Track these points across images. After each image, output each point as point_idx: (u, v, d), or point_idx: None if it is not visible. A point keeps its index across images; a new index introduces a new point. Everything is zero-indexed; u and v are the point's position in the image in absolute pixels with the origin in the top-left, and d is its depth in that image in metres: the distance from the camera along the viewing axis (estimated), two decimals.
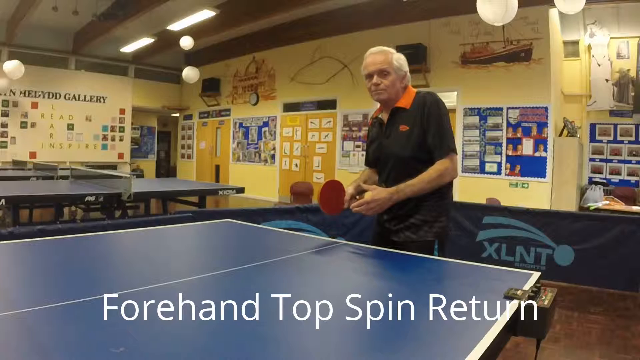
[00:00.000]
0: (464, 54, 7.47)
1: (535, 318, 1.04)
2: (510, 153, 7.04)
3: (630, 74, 7.31)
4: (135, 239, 1.98)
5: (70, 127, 11.36)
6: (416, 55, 7.40)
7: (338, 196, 2.02)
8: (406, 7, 7.38)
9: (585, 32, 7.61)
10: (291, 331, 0.96)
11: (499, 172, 7.14)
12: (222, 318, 1.02)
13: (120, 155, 12.28)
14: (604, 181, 7.50)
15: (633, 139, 7.44)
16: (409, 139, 1.86)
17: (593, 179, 7.62)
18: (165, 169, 15.19)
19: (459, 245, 4.02)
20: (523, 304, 1.06)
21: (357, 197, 2.10)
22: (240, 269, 1.41)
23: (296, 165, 10.09)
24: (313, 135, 9.78)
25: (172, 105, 13.44)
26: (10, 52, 10.15)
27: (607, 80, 7.44)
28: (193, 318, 1.02)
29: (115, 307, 1.02)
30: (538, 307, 1.05)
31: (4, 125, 10.41)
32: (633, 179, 7.41)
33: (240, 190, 5.32)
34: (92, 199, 3.92)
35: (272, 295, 1.20)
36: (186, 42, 8.22)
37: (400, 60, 1.92)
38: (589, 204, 5.96)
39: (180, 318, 1.00)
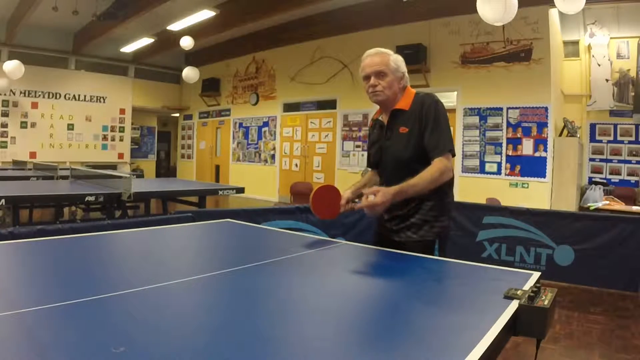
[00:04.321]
0: (464, 54, 7.47)
1: (535, 318, 1.04)
2: (510, 153, 7.04)
3: (630, 74, 7.31)
4: (135, 239, 1.98)
5: (70, 127, 11.35)
6: (416, 55, 7.40)
7: (333, 201, 2.02)
8: (406, 7, 7.38)
9: (585, 32, 7.61)
10: (291, 331, 0.96)
11: (499, 172, 7.14)
12: (222, 318, 1.02)
13: (120, 155, 12.28)
14: (604, 181, 7.50)
15: (633, 139, 7.44)
16: (408, 140, 1.87)
17: (593, 179, 7.62)
18: (165, 169, 15.19)
19: (459, 245, 4.02)
20: (523, 304, 1.06)
21: (356, 200, 2.11)
22: (240, 269, 1.41)
23: (296, 165, 10.09)
24: (313, 135, 9.78)
25: (172, 105, 13.44)
26: (10, 52, 10.15)
27: (607, 80, 7.44)
28: (193, 318, 1.02)
29: (116, 307, 1.02)
30: (538, 307, 1.05)
31: (4, 125, 10.41)
32: (633, 179, 7.41)
33: (240, 190, 5.32)
34: (92, 199, 3.92)
35: (272, 295, 1.21)
36: (186, 42, 8.22)
37: (397, 61, 1.92)
38: (589, 204, 5.96)
39: (180, 318, 1.00)
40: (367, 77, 1.92)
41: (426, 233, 1.86)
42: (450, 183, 1.93)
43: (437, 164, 1.80)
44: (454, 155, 1.88)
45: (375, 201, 1.71)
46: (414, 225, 1.88)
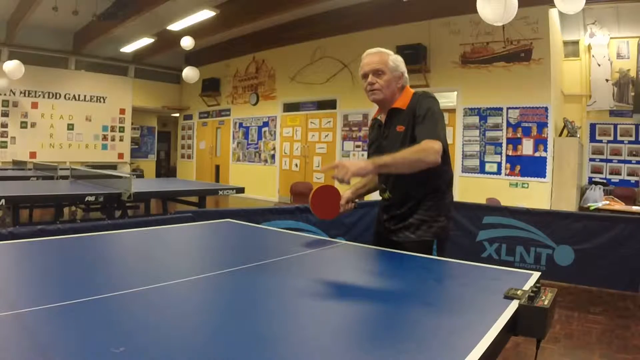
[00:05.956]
0: (464, 54, 7.47)
1: (535, 318, 1.04)
2: (510, 153, 7.04)
3: (630, 74, 7.31)
4: (135, 239, 1.98)
5: (70, 127, 11.36)
6: (416, 55, 7.40)
7: (333, 200, 2.01)
8: (406, 7, 7.38)
9: (585, 32, 7.61)
10: (291, 331, 0.96)
11: (499, 172, 7.14)
12: (222, 318, 1.02)
13: (120, 155, 12.28)
14: (604, 181, 7.50)
15: (633, 139, 7.44)
16: (405, 139, 1.86)
17: (593, 179, 7.62)
18: (165, 169, 15.19)
19: (459, 245, 4.02)
20: (523, 304, 1.06)
21: (356, 200, 2.11)
22: (240, 269, 1.41)
23: (296, 165, 10.09)
24: (313, 135, 9.78)
25: (172, 105, 13.43)
26: (10, 52, 10.15)
27: (607, 80, 7.44)
28: (193, 318, 1.02)
29: (116, 307, 1.02)
30: (538, 307, 1.05)
31: (4, 125, 10.41)
32: (633, 179, 7.41)
33: (240, 190, 5.32)
34: (92, 199, 3.92)
35: (272, 295, 1.21)
36: (186, 42, 8.22)
37: (396, 61, 1.93)
38: (589, 204, 5.96)
39: (180, 318, 1.00)
40: (365, 76, 1.93)
41: (424, 233, 1.86)
42: (448, 183, 1.93)
43: (422, 144, 1.71)
44: (445, 148, 1.81)
45: (343, 163, 1.58)
46: (412, 225, 1.88)
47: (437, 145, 1.70)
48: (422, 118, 1.81)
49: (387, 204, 2.00)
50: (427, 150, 1.68)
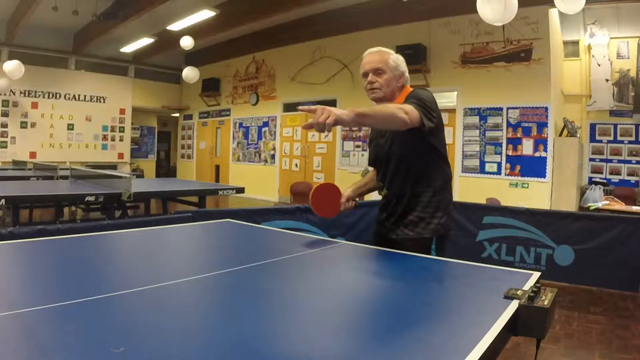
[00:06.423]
0: (463, 54, 7.47)
1: (535, 318, 1.04)
2: (510, 153, 7.04)
3: (630, 74, 7.31)
4: (135, 239, 1.98)
5: (70, 127, 11.36)
6: (416, 55, 7.40)
7: (333, 199, 2.02)
8: (406, 7, 7.38)
9: (585, 32, 7.61)
10: (291, 331, 0.96)
11: (499, 172, 7.14)
12: (222, 318, 1.02)
13: (120, 155, 12.28)
14: (604, 181, 7.50)
15: (633, 139, 7.44)
16: (402, 136, 1.86)
17: (593, 179, 7.62)
18: (165, 169, 15.18)
19: (459, 245, 4.02)
20: (523, 304, 1.06)
21: (357, 199, 2.11)
22: (240, 269, 1.41)
23: (296, 165, 10.09)
24: (313, 135, 9.78)
25: (172, 105, 13.43)
26: (10, 52, 10.15)
27: (607, 80, 7.44)
28: (193, 318, 1.02)
29: (116, 307, 1.02)
30: (538, 307, 1.05)
31: (4, 125, 10.41)
32: (633, 179, 7.41)
33: (240, 190, 5.32)
34: (92, 199, 3.91)
35: (272, 295, 1.21)
36: (186, 42, 8.22)
37: (397, 60, 1.94)
38: (589, 204, 5.96)
39: (180, 318, 1.00)
40: (365, 74, 1.93)
41: (422, 230, 1.86)
42: (446, 180, 1.93)
43: (400, 105, 1.74)
44: (441, 150, 1.89)
45: (323, 107, 1.41)
46: (410, 222, 1.88)
47: (408, 107, 1.70)
48: (408, 100, 1.82)
49: (385, 201, 2.00)
50: (402, 108, 1.68)
